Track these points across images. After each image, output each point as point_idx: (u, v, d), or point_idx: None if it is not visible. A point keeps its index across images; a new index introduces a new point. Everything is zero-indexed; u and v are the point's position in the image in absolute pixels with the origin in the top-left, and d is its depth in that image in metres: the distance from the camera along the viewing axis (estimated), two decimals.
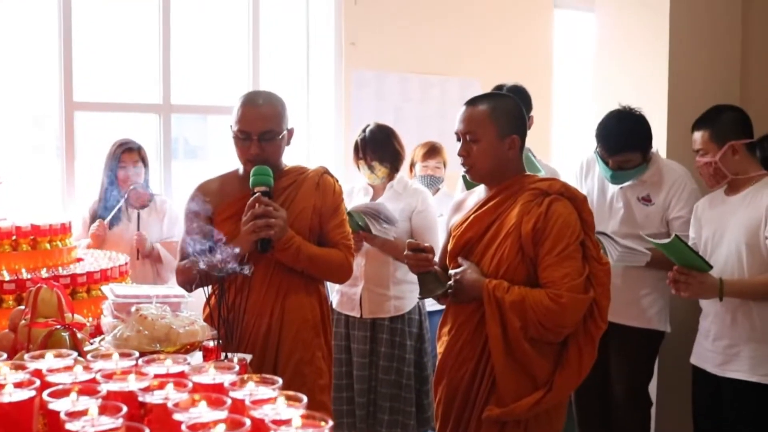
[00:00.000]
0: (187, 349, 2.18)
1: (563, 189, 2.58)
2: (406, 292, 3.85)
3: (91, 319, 2.66)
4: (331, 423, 1.16)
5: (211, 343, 2.15)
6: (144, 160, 4.20)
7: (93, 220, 4.09)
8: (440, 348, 2.73)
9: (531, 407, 2.51)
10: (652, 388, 3.70)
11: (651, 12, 3.97)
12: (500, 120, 2.59)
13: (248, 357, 2.12)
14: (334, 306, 3.90)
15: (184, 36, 4.79)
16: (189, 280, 2.75)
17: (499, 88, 3.82)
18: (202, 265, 2.27)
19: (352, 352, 3.88)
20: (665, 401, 3.85)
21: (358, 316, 3.85)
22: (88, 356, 1.58)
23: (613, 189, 3.54)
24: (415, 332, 3.90)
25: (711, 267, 3.06)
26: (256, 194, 2.72)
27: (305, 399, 1.29)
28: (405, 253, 2.69)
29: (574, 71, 5.67)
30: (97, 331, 2.50)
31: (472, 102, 2.65)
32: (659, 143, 3.73)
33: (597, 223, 3.24)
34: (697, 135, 3.24)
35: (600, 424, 3.67)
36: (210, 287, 2.43)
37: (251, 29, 4.92)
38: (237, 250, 2.35)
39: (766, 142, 3.32)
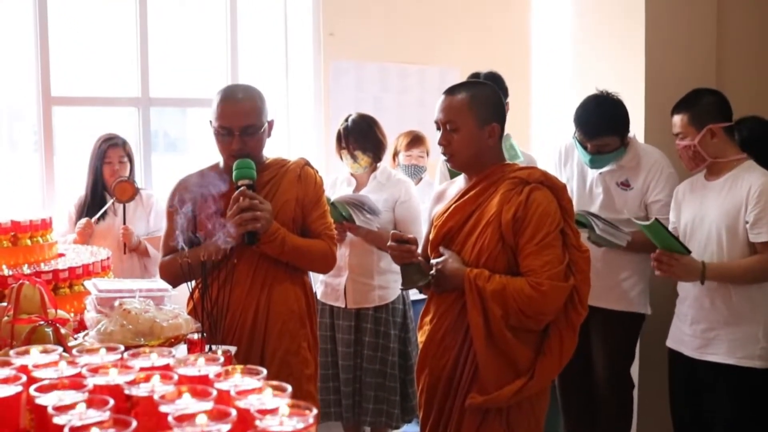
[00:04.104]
0: (171, 342, 2.19)
1: (543, 177, 2.60)
2: (390, 282, 3.87)
3: (74, 314, 2.65)
4: (315, 411, 1.18)
5: (196, 336, 2.15)
6: (129, 156, 4.20)
7: (79, 216, 4.07)
8: (422, 337, 2.75)
9: (513, 395, 2.53)
10: (634, 370, 3.75)
11: None
12: (480, 108, 2.60)
13: (233, 349, 2.13)
14: (318, 296, 3.91)
15: (161, 28, 4.76)
16: (173, 274, 2.75)
17: (476, 75, 3.83)
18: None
19: (337, 342, 3.90)
20: (647, 383, 3.90)
21: (343, 306, 3.87)
22: (74, 351, 1.58)
23: (592, 175, 3.58)
24: (399, 322, 3.92)
25: (689, 252, 3.10)
26: (241, 188, 2.72)
27: (290, 389, 1.30)
28: (388, 244, 2.70)
29: (553, 58, 5.68)
30: (81, 327, 2.50)
31: (450, 91, 2.66)
32: (637, 128, 3.76)
33: (577, 209, 3.29)
34: (677, 118, 3.27)
35: (584, 407, 3.71)
36: (194, 282, 2.44)
37: (229, 21, 4.90)
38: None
39: (743, 125, 3.36)
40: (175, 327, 2.21)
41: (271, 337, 2.84)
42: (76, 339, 2.23)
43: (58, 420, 1.18)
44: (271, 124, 2.90)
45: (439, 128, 2.67)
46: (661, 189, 3.45)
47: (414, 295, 4.03)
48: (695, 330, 3.22)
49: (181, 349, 2.22)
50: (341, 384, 3.90)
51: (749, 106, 3.61)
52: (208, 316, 2.18)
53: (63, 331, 2.11)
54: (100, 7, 4.75)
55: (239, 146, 2.77)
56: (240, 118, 2.77)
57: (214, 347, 2.05)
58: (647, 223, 3.08)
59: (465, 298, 2.55)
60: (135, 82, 4.67)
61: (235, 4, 4.90)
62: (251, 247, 2.76)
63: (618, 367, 3.60)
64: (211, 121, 2.84)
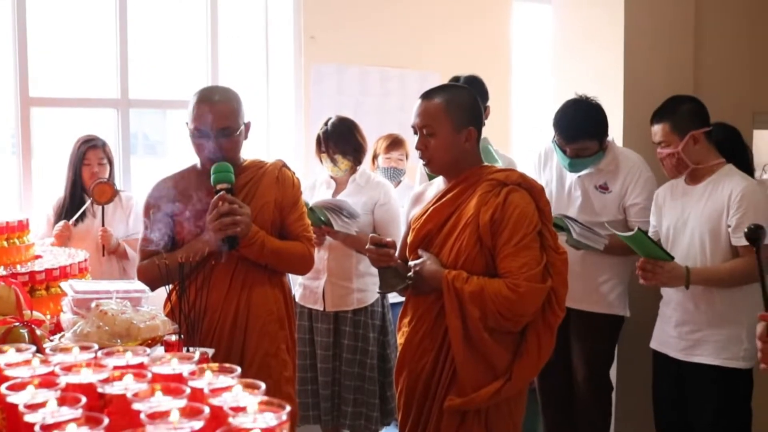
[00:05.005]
0: (149, 344, 2.18)
1: (520, 179, 2.61)
2: (369, 285, 3.87)
3: (50, 316, 2.64)
4: (288, 408, 1.18)
5: (173, 338, 2.15)
6: (108, 157, 4.18)
7: (58, 218, 4.05)
8: (400, 339, 2.75)
9: (491, 396, 2.54)
10: (613, 372, 3.77)
11: (607, 4, 4.03)
12: (456, 113, 2.61)
13: (210, 351, 2.12)
14: (297, 299, 3.91)
15: (141, 29, 4.74)
16: (151, 277, 2.74)
17: (456, 79, 3.85)
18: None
19: (316, 345, 3.90)
20: (625, 385, 3.92)
21: (321, 309, 3.86)
22: (47, 349, 1.57)
23: (571, 178, 3.60)
24: (378, 324, 3.92)
25: (672, 258, 3.13)
26: (221, 192, 2.71)
27: (263, 386, 1.31)
28: (367, 247, 2.70)
29: (532, 63, 5.73)
30: (57, 329, 2.48)
31: (427, 95, 2.66)
32: (616, 133, 3.79)
33: (556, 212, 3.30)
34: (657, 127, 3.29)
35: (563, 408, 3.73)
36: (171, 285, 2.43)
37: (209, 23, 4.89)
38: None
39: (718, 129, 3.38)
40: (152, 328, 2.20)
41: (251, 339, 2.83)
42: (51, 341, 2.21)
43: (29, 418, 1.17)
44: (248, 126, 2.90)
45: (416, 132, 2.68)
46: (639, 192, 3.47)
47: (393, 297, 4.03)
48: (680, 332, 3.25)
49: (159, 351, 2.21)
50: (320, 387, 3.89)
51: (726, 112, 3.64)
52: (185, 318, 2.17)
53: (38, 332, 2.10)
54: (79, 7, 4.73)
55: (216, 148, 2.77)
56: (216, 120, 2.75)
57: (191, 349, 2.04)
58: (630, 234, 3.10)
59: (443, 300, 2.56)
60: (114, 83, 4.65)
61: (215, 6, 4.89)
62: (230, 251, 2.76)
63: (597, 369, 3.62)
64: (187, 123, 2.83)
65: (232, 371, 1.40)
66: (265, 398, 1.23)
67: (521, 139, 5.47)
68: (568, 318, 2.67)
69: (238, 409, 1.19)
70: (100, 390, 1.30)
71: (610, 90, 3.90)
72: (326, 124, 3.88)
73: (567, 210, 3.53)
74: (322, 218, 3.63)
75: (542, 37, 5.45)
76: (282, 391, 2.84)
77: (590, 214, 3.51)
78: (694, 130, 3.20)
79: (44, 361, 1.46)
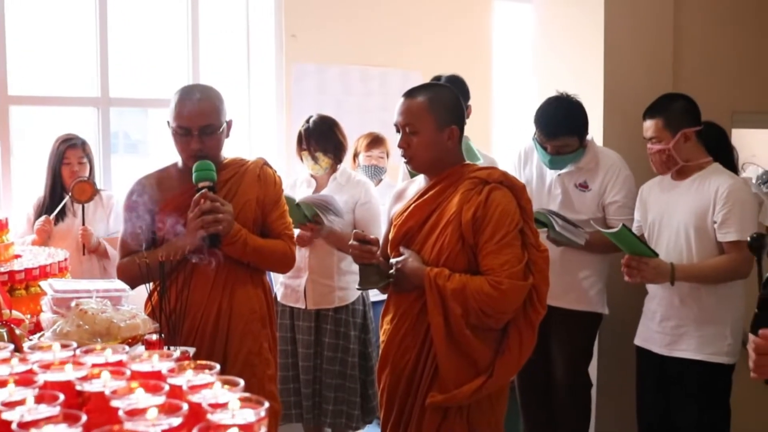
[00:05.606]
0: (129, 342, 2.17)
1: (502, 177, 2.62)
2: (350, 283, 3.87)
3: (30, 316, 2.62)
4: (267, 404, 1.18)
5: (154, 337, 2.14)
6: (88, 156, 4.16)
7: (38, 217, 4.02)
8: (383, 337, 2.76)
9: (473, 393, 2.55)
10: (593, 369, 3.79)
11: (587, 3, 4.05)
12: (438, 111, 2.62)
13: (191, 350, 2.11)
14: (278, 298, 3.91)
15: (122, 27, 4.71)
16: (132, 275, 2.73)
17: (437, 78, 3.86)
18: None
19: (297, 343, 3.89)
20: (607, 383, 3.94)
21: (303, 307, 3.86)
22: (26, 348, 1.57)
23: (551, 176, 3.62)
24: (359, 323, 3.92)
25: (656, 254, 3.15)
26: (203, 190, 2.71)
27: (242, 383, 1.31)
28: (350, 242, 2.71)
29: (513, 62, 5.74)
30: (37, 328, 2.47)
31: (410, 93, 2.67)
32: (596, 131, 3.81)
33: (537, 208, 3.32)
34: (649, 123, 3.31)
35: (542, 406, 3.75)
36: (152, 284, 2.42)
37: (190, 21, 4.86)
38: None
39: (705, 128, 3.41)
40: (132, 327, 2.19)
41: (234, 338, 2.83)
42: (31, 340, 2.20)
43: (7, 416, 1.16)
44: (229, 124, 2.90)
45: (398, 131, 2.68)
46: (618, 190, 3.50)
47: (374, 296, 4.04)
48: (665, 327, 3.28)
49: (139, 351, 2.20)
50: (301, 385, 3.89)
51: (705, 111, 3.66)
52: (167, 318, 2.17)
53: (18, 331, 2.08)
54: (59, 4, 4.69)
55: (198, 146, 2.76)
56: (198, 118, 2.75)
57: (172, 348, 2.03)
58: (614, 230, 3.12)
59: (425, 298, 2.57)
60: (94, 81, 4.62)
61: (196, 4, 4.87)
62: (210, 249, 2.75)
63: (577, 366, 3.64)
64: (168, 122, 2.82)
65: (211, 368, 1.40)
66: (244, 395, 1.23)
67: (502, 138, 5.48)
68: (547, 315, 2.69)
69: (217, 406, 1.19)
70: (78, 387, 1.30)
71: (590, 89, 3.92)
72: (308, 121, 3.88)
73: (547, 208, 3.55)
74: (307, 214, 3.62)
75: (523, 36, 5.46)
76: (265, 389, 2.85)
77: (570, 212, 3.53)
78: (686, 128, 3.24)
79: (22, 359, 1.45)
